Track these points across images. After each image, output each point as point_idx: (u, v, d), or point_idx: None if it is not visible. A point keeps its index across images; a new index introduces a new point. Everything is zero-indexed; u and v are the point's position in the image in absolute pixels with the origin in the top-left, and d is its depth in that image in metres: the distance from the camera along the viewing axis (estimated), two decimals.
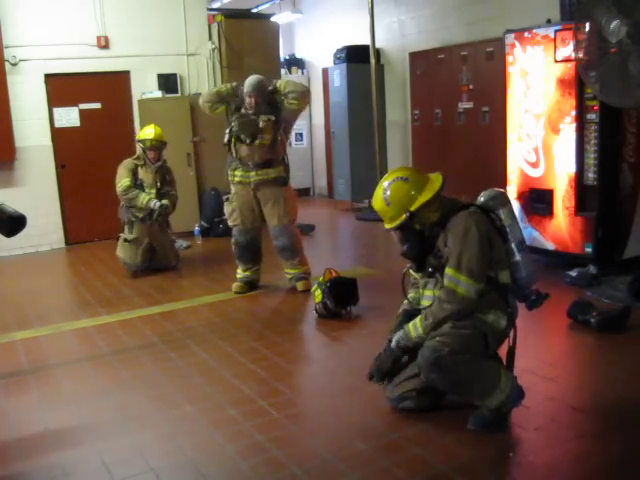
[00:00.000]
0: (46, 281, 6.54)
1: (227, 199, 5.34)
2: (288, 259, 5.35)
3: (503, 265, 2.91)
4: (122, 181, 6.10)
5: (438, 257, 2.92)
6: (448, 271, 2.83)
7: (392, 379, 3.12)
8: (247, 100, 5.06)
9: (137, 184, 6.12)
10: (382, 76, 8.77)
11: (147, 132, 6.25)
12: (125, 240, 6.13)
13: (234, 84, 5.22)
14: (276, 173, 5.18)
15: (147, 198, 6.06)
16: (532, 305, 3.02)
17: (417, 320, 2.94)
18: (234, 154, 5.19)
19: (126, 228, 6.19)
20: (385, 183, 2.97)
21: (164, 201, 6.14)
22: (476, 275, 2.80)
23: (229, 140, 5.17)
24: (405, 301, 3.21)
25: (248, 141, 5.05)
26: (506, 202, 3.03)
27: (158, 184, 6.19)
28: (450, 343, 2.77)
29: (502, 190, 3.12)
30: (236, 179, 5.23)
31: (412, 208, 2.88)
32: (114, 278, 6.13)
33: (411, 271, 3.14)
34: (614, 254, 5.05)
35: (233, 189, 5.28)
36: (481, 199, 3.04)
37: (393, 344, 3.04)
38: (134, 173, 6.15)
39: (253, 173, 5.14)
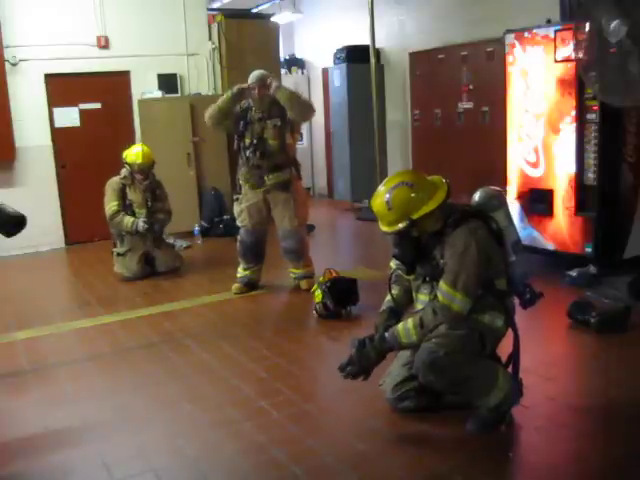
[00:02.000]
0: (46, 281, 6.55)
1: (237, 199, 5.34)
2: (293, 261, 5.37)
3: (500, 275, 2.89)
4: (109, 205, 5.97)
5: (434, 266, 2.89)
6: (444, 287, 2.80)
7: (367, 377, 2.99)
8: (252, 93, 5.06)
9: (126, 205, 5.99)
10: (382, 76, 8.76)
11: (134, 153, 6.02)
12: (118, 254, 6.08)
13: (229, 92, 5.09)
14: (287, 176, 5.18)
15: (131, 221, 5.93)
16: (526, 303, 3.02)
17: (410, 326, 2.88)
18: (244, 159, 5.18)
19: (117, 242, 6.12)
20: (389, 186, 2.89)
21: (157, 216, 6.05)
22: (471, 293, 2.79)
23: (239, 145, 5.17)
24: (387, 298, 3.17)
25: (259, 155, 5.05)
26: (503, 203, 3.01)
27: (149, 203, 6.07)
28: (446, 344, 2.76)
29: (498, 189, 3.08)
30: (248, 183, 5.24)
31: (414, 216, 2.82)
32: (114, 278, 6.12)
33: (400, 271, 3.12)
34: (614, 254, 5.05)
35: (243, 190, 5.28)
36: (476, 199, 3.01)
37: (377, 343, 2.93)
38: (122, 194, 6.00)
39: (265, 178, 5.15)
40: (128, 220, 5.95)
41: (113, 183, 6.04)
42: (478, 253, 2.77)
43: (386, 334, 2.93)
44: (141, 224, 5.92)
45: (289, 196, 5.19)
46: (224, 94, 5.22)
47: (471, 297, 2.79)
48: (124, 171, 6.08)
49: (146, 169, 6.06)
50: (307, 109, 5.11)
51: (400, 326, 2.93)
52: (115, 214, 5.97)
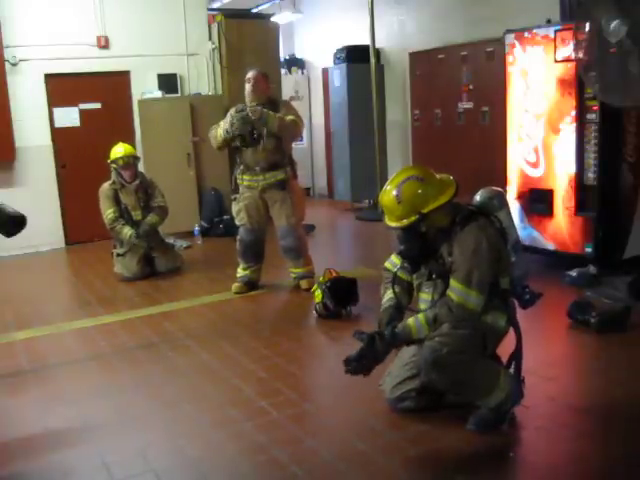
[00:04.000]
0: (46, 281, 6.55)
1: (234, 199, 5.35)
2: (293, 259, 5.38)
3: (506, 272, 2.90)
4: (107, 212, 6.07)
5: (440, 264, 2.90)
6: (457, 285, 2.79)
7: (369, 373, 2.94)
8: (247, 87, 5.07)
9: (122, 209, 6.08)
10: (382, 76, 8.76)
11: (117, 150, 6.11)
12: (118, 255, 6.12)
13: (223, 131, 5.09)
14: (283, 175, 5.19)
15: (129, 234, 6.01)
16: (526, 304, 3.02)
17: (422, 321, 2.87)
18: (240, 159, 5.22)
19: (117, 244, 6.17)
20: (398, 180, 2.89)
21: (149, 218, 6.12)
22: (485, 290, 2.80)
23: (235, 146, 5.20)
24: (388, 296, 3.13)
25: (247, 139, 5.03)
26: (504, 203, 3.02)
27: (142, 203, 6.16)
28: (449, 343, 2.77)
29: (500, 190, 3.09)
30: (245, 183, 5.25)
31: (424, 210, 2.82)
32: (114, 278, 6.12)
33: (399, 273, 3.11)
34: (614, 254, 5.05)
35: (241, 189, 5.30)
36: (478, 198, 3.02)
37: (388, 339, 2.89)
38: (116, 199, 6.08)
39: (261, 177, 5.16)
40: (126, 232, 6.03)
41: (105, 190, 6.12)
42: (489, 250, 2.79)
43: (396, 330, 2.90)
44: (133, 239, 6.01)
45: (286, 195, 5.21)
46: (221, 130, 5.14)
47: (485, 294, 2.80)
48: (113, 176, 6.15)
49: (131, 162, 6.12)
50: (293, 131, 5.11)
51: (411, 322, 2.91)
52: (114, 221, 6.05)
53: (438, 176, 2.95)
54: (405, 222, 2.86)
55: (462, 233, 2.82)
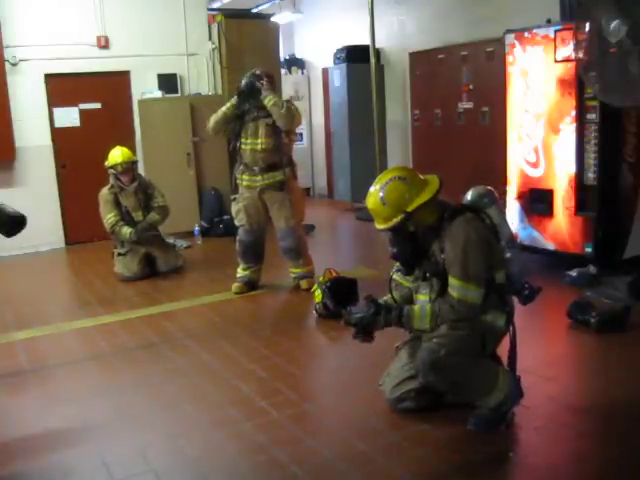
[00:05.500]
0: (46, 281, 6.55)
1: (234, 199, 5.36)
2: (293, 259, 5.38)
3: (500, 266, 2.90)
4: (107, 217, 6.08)
5: (433, 263, 2.90)
6: (455, 282, 2.79)
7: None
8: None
9: (123, 211, 6.09)
10: (382, 76, 8.76)
11: (115, 155, 6.08)
12: (119, 254, 6.13)
13: (233, 99, 5.19)
14: (282, 176, 5.19)
15: (128, 232, 6.03)
16: (525, 300, 3.01)
17: (427, 312, 2.85)
18: (240, 159, 5.24)
19: (118, 244, 6.18)
20: (381, 182, 2.92)
21: (150, 216, 6.15)
22: (482, 281, 2.81)
23: (234, 145, 5.23)
24: (386, 297, 3.14)
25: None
26: (495, 200, 3.03)
27: (142, 203, 6.17)
28: (447, 344, 2.77)
29: (490, 188, 3.10)
30: (244, 183, 5.26)
31: (409, 209, 2.84)
32: (114, 278, 6.12)
33: (395, 276, 3.11)
34: (614, 254, 5.05)
35: (240, 190, 5.31)
36: (468, 197, 3.03)
37: (393, 317, 2.88)
38: (117, 203, 6.09)
39: (259, 177, 5.17)
40: (125, 232, 6.05)
41: (104, 195, 6.12)
42: (480, 241, 2.80)
43: (403, 312, 2.88)
44: (132, 236, 6.04)
45: (285, 196, 5.21)
46: (229, 102, 5.25)
47: (482, 287, 2.80)
48: (111, 180, 6.14)
49: (129, 167, 6.11)
50: (289, 120, 5.08)
51: (417, 308, 2.91)
52: (114, 225, 6.06)
53: (422, 176, 2.97)
54: (392, 223, 2.88)
55: (451, 228, 2.83)
